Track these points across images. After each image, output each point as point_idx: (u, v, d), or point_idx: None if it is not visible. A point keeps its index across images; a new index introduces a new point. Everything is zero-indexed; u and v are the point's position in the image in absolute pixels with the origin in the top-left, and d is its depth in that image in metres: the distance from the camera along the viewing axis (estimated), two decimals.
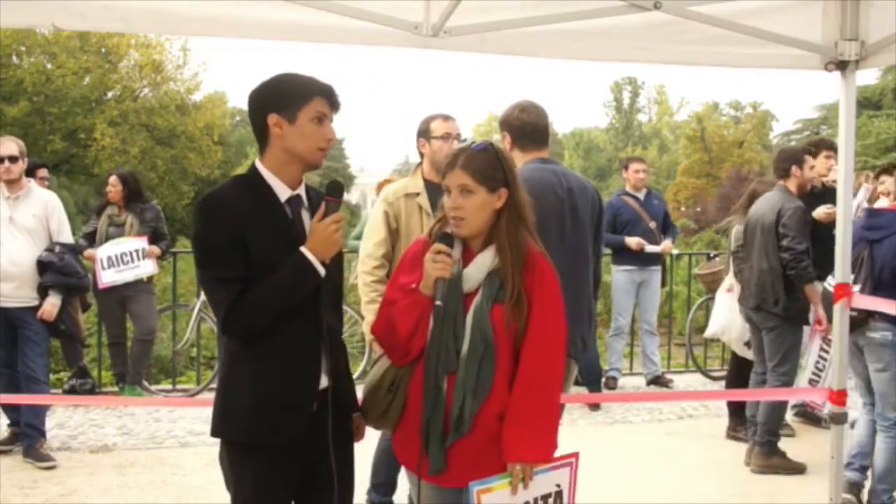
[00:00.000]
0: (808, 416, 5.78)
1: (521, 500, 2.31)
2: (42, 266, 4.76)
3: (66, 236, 4.97)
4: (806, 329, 4.88)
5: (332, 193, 2.26)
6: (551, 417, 2.40)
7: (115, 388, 6.50)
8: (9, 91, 25.03)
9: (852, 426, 5.27)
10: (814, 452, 4.83)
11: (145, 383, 6.49)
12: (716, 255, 7.70)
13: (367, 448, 3.64)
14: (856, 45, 3.27)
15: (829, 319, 4.23)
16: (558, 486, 2.39)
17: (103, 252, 6.06)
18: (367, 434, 2.58)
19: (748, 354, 5.48)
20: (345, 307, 7.01)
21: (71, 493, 4.38)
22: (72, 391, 5.97)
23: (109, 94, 28.68)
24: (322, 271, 2.22)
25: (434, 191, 3.46)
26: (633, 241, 6.61)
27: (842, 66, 3.33)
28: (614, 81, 52.59)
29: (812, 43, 3.32)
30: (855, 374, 4.35)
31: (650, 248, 6.63)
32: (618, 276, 6.86)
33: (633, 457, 5.19)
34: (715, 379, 7.12)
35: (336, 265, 2.33)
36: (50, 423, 5.29)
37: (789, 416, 5.53)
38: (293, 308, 2.21)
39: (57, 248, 4.81)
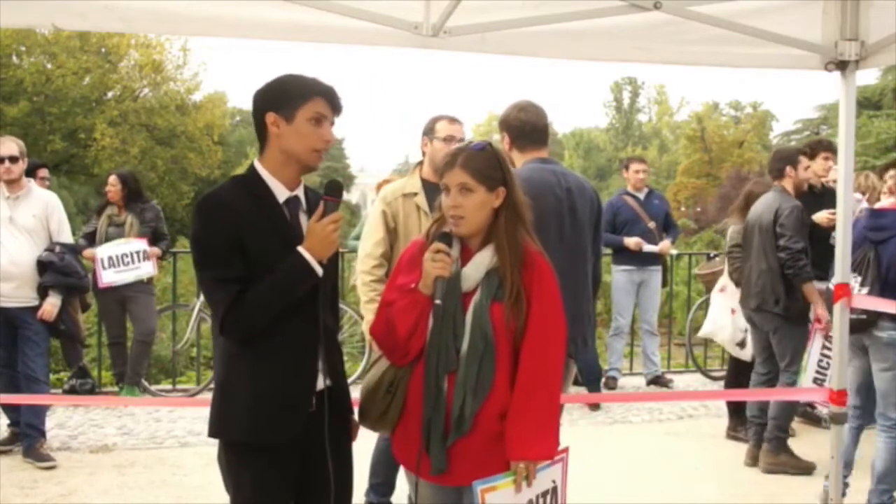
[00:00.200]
0: (809, 416, 5.79)
1: (524, 499, 2.31)
2: (42, 266, 4.76)
3: (66, 236, 4.97)
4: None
5: (330, 193, 2.26)
6: (552, 415, 2.40)
7: (115, 388, 6.50)
8: (9, 91, 25.03)
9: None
10: (814, 452, 4.83)
11: (145, 383, 6.49)
12: (716, 255, 7.70)
13: (365, 448, 3.64)
14: (856, 45, 3.27)
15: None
16: (554, 482, 2.40)
17: (103, 252, 6.06)
18: (366, 434, 2.58)
19: (741, 355, 5.49)
20: (345, 307, 7.03)
21: (71, 493, 4.38)
22: (72, 391, 5.97)
23: (109, 94, 28.68)
24: (319, 271, 2.22)
25: (432, 191, 3.46)
26: (631, 242, 6.62)
27: (842, 66, 3.33)
28: (614, 81, 52.65)
29: (812, 43, 3.32)
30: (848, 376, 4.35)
31: (648, 248, 6.63)
32: (618, 276, 6.86)
33: (633, 457, 5.19)
34: (715, 379, 7.12)
35: (332, 265, 2.33)
36: (50, 423, 5.29)
37: None
38: (292, 308, 2.21)
39: (57, 248, 4.81)
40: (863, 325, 3.94)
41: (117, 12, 2.85)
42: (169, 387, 7.15)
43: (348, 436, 2.46)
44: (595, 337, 7.35)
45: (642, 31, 3.20)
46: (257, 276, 2.17)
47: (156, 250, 6.21)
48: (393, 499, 3.90)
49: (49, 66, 26.56)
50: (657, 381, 6.95)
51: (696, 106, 47.05)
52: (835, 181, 4.60)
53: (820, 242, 4.84)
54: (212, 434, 2.29)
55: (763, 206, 4.86)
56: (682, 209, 30.26)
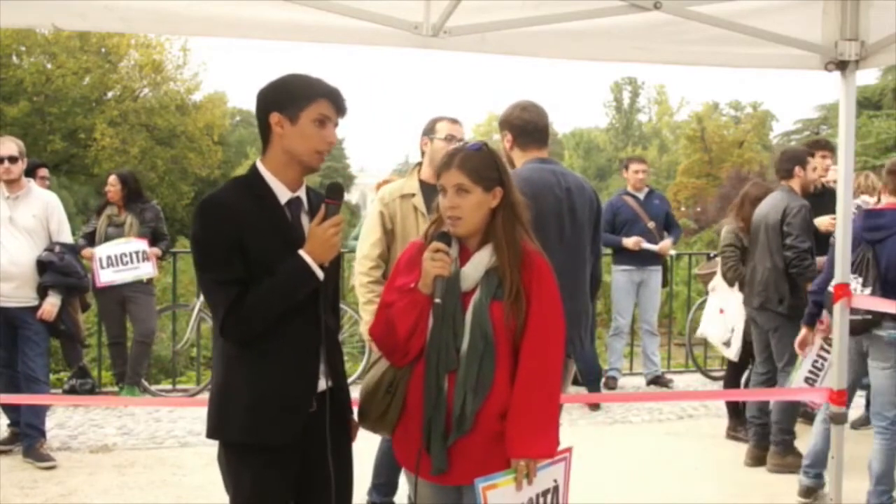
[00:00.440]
0: (809, 416, 5.78)
1: (525, 497, 2.32)
2: (42, 266, 4.76)
3: (66, 236, 4.97)
4: None
5: (331, 196, 2.26)
6: (552, 413, 2.41)
7: (115, 388, 6.50)
8: (9, 91, 25.03)
9: (853, 426, 5.28)
10: None
11: (145, 383, 6.49)
12: (716, 255, 7.68)
13: (367, 448, 3.64)
14: (856, 45, 3.28)
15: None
16: (555, 481, 2.40)
17: (102, 251, 6.06)
18: (367, 435, 2.58)
19: (728, 354, 5.50)
20: (345, 307, 7.02)
21: (71, 493, 4.38)
22: (72, 391, 5.97)
23: (109, 94, 28.67)
24: (321, 275, 2.22)
25: (430, 192, 3.46)
26: (630, 241, 6.62)
27: (842, 66, 3.33)
28: (614, 81, 52.63)
29: (812, 43, 3.32)
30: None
31: (647, 245, 6.63)
32: (617, 276, 6.86)
33: (633, 457, 5.19)
34: (715, 379, 7.12)
35: (334, 266, 2.33)
36: (50, 423, 5.29)
37: None
38: (293, 309, 2.20)
39: (57, 248, 4.81)
40: (867, 325, 3.94)
41: (117, 12, 2.85)
42: (169, 387, 7.15)
43: (349, 436, 2.46)
44: (595, 337, 7.38)
45: (642, 31, 3.20)
46: (258, 278, 2.17)
47: (156, 251, 6.21)
48: (395, 499, 3.91)
49: (49, 66, 26.56)
50: (657, 381, 6.95)
51: (696, 106, 47.08)
52: (834, 181, 4.60)
53: (819, 244, 4.84)
54: (210, 435, 2.29)
55: (770, 205, 4.85)
56: (682, 209, 30.26)
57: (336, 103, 2.26)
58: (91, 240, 6.21)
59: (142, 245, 6.12)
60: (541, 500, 2.36)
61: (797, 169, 4.86)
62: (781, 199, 4.80)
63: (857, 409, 4.77)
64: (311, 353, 2.27)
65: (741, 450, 5.11)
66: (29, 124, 25.57)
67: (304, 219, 2.31)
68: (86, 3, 2.83)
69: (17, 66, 26.15)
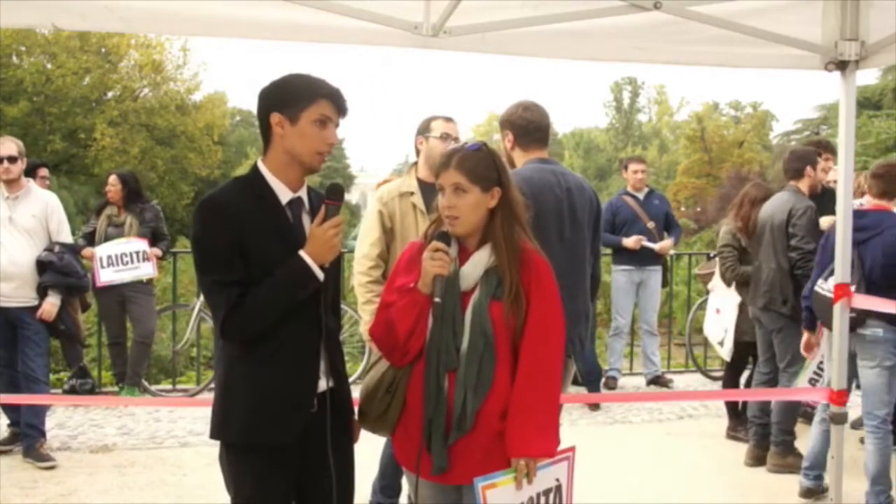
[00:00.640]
0: (809, 416, 5.78)
1: (525, 496, 2.32)
2: (42, 266, 4.76)
3: (66, 236, 4.97)
4: None
5: (332, 197, 2.26)
6: (553, 413, 2.41)
7: (115, 388, 6.50)
8: (9, 91, 25.02)
9: (853, 426, 5.28)
10: None
11: (145, 383, 6.49)
12: (716, 255, 7.70)
13: (368, 449, 3.64)
14: (856, 45, 3.27)
15: (828, 324, 4.24)
16: (557, 480, 2.40)
17: (102, 251, 6.06)
18: (370, 435, 2.58)
19: (721, 353, 5.50)
20: (345, 307, 7.03)
21: (71, 493, 4.38)
22: (72, 391, 5.97)
23: (109, 94, 28.66)
24: (321, 276, 2.22)
25: (428, 190, 3.46)
26: (630, 240, 6.62)
27: (842, 66, 3.33)
28: (614, 81, 52.57)
29: (812, 43, 3.32)
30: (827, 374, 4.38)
31: (647, 244, 6.63)
32: (617, 276, 6.86)
33: (633, 457, 5.19)
34: (715, 379, 7.12)
35: (334, 267, 2.33)
36: (50, 423, 5.29)
37: None
38: (294, 310, 2.20)
39: (56, 248, 4.81)
40: (851, 323, 3.90)
41: (117, 12, 2.85)
42: (169, 387, 7.15)
43: (350, 437, 2.46)
44: (595, 337, 7.37)
45: (642, 31, 3.20)
46: (259, 279, 2.17)
47: (156, 251, 6.21)
48: (400, 499, 3.90)
49: (49, 66, 26.55)
50: (657, 381, 6.95)
51: (696, 106, 47.12)
52: (834, 182, 4.60)
53: None
54: (213, 435, 2.29)
55: (776, 206, 4.84)
56: (682, 209, 30.26)
57: (337, 104, 2.25)
58: (91, 240, 6.21)
59: (142, 245, 6.12)
60: (542, 499, 2.36)
61: (808, 169, 4.85)
62: (787, 200, 4.78)
63: (856, 408, 4.77)
64: (311, 352, 2.27)
65: (741, 450, 5.12)
66: (29, 124, 25.56)
67: (305, 219, 2.31)
68: (86, 3, 2.83)
69: (17, 66, 26.14)
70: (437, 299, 2.32)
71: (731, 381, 5.63)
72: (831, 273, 4.08)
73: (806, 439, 4.49)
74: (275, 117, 2.22)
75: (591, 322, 3.48)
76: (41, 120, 26.59)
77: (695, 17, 3.12)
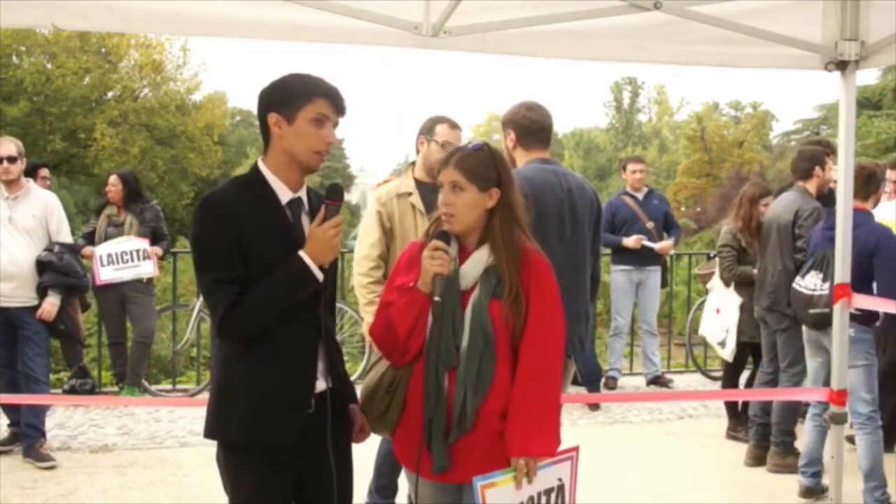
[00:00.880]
0: None
1: (525, 495, 2.31)
2: (41, 266, 4.76)
3: (66, 236, 4.97)
4: None
5: (331, 197, 2.25)
6: (553, 412, 2.41)
7: (115, 388, 6.50)
8: (9, 91, 25.01)
9: (852, 426, 5.28)
10: None
11: (145, 383, 6.49)
12: (715, 255, 7.70)
13: (367, 449, 3.64)
14: (856, 45, 3.27)
15: (805, 320, 4.27)
16: (560, 479, 2.40)
17: (102, 249, 6.07)
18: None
19: (722, 354, 5.50)
20: (345, 307, 7.03)
21: (71, 493, 4.38)
22: (72, 391, 5.97)
23: (109, 94, 28.65)
24: (320, 276, 2.21)
25: (426, 191, 3.46)
26: (630, 240, 6.62)
27: (842, 66, 3.33)
28: (614, 81, 52.54)
29: (812, 43, 3.32)
30: (812, 372, 4.42)
31: (647, 243, 6.63)
32: (616, 276, 6.86)
33: (633, 457, 5.19)
34: (715, 379, 7.12)
35: (332, 267, 2.32)
36: (50, 423, 5.29)
37: None
38: (292, 310, 2.20)
39: (56, 248, 4.81)
40: (826, 319, 4.00)
41: (117, 12, 2.85)
42: (169, 387, 7.15)
43: (349, 437, 2.45)
44: (595, 337, 7.37)
45: (642, 31, 3.20)
46: (257, 278, 2.17)
47: (156, 250, 6.21)
48: (396, 500, 3.90)
49: (49, 66, 26.54)
50: (657, 381, 6.95)
51: (696, 106, 47.05)
52: (834, 182, 4.60)
53: None
54: (208, 435, 2.29)
55: (783, 206, 4.83)
56: (682, 209, 30.25)
57: (335, 103, 2.25)
58: (91, 240, 6.21)
59: (142, 243, 6.12)
60: (543, 498, 2.36)
61: (817, 169, 4.83)
62: (794, 201, 4.77)
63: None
64: (309, 352, 2.26)
65: (741, 450, 5.11)
66: (29, 124, 25.56)
67: (305, 219, 2.30)
68: (86, 3, 2.83)
69: (17, 66, 26.13)
70: (436, 298, 2.32)
71: (730, 381, 5.63)
72: (808, 271, 4.24)
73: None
74: (272, 117, 2.22)
75: (590, 322, 3.48)
76: (41, 120, 26.59)
77: (695, 17, 3.12)
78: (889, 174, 5.36)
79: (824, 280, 4.10)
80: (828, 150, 5.31)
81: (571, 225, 3.25)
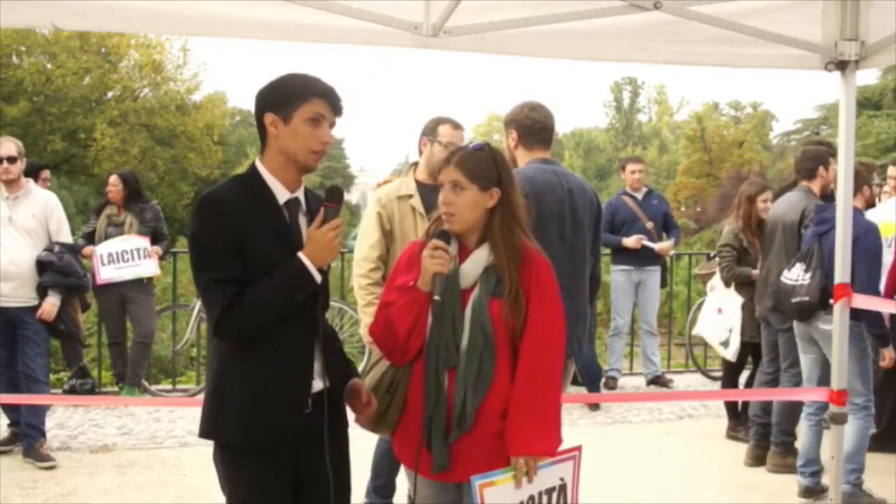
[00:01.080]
0: None
1: (524, 495, 2.31)
2: (41, 266, 4.76)
3: (66, 236, 4.97)
4: None
5: (331, 199, 2.25)
6: (553, 411, 2.40)
7: (115, 388, 6.50)
8: (9, 91, 25.01)
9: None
10: None
11: (145, 383, 6.49)
12: (716, 255, 7.70)
13: (365, 449, 3.64)
14: (856, 45, 3.27)
15: (788, 310, 4.36)
16: (562, 479, 2.40)
17: (103, 248, 6.06)
18: (366, 434, 2.58)
19: (725, 354, 5.50)
20: (345, 307, 7.03)
21: (71, 493, 4.38)
22: (72, 391, 5.97)
23: (109, 94, 28.65)
24: (318, 278, 2.21)
25: (426, 192, 3.46)
26: (630, 240, 6.62)
27: (842, 66, 3.33)
28: (614, 81, 52.53)
29: (812, 43, 3.32)
30: (805, 369, 4.45)
31: (648, 243, 6.63)
32: (616, 276, 6.86)
33: (633, 457, 5.19)
34: (715, 379, 7.12)
35: (328, 267, 2.32)
36: (50, 423, 5.29)
37: None
38: (290, 310, 2.20)
39: (56, 248, 4.81)
40: (811, 308, 4.14)
41: (117, 12, 2.85)
42: (169, 387, 7.15)
43: (346, 438, 2.44)
44: (595, 337, 7.37)
45: (642, 31, 3.20)
46: (255, 278, 2.16)
47: (157, 249, 6.21)
48: (394, 500, 3.90)
49: (49, 66, 26.54)
50: (657, 381, 6.95)
51: (696, 106, 47.00)
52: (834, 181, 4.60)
53: None
54: (204, 435, 2.28)
55: (787, 206, 4.82)
56: (682, 209, 30.26)
57: (331, 102, 2.25)
58: (91, 240, 6.21)
59: (143, 242, 6.11)
60: (544, 498, 2.36)
61: (820, 169, 4.82)
62: (800, 201, 4.75)
63: None
64: (306, 353, 2.26)
65: (741, 450, 5.11)
66: (29, 124, 25.56)
67: (302, 219, 2.30)
68: (86, 3, 2.83)
69: (17, 66, 26.13)
70: (436, 297, 2.32)
71: (730, 381, 5.63)
72: (794, 263, 4.36)
73: None
74: (269, 117, 2.22)
75: (589, 323, 3.48)
76: (41, 120, 26.59)
77: (695, 17, 3.12)
78: (890, 170, 5.39)
79: (806, 271, 4.21)
80: (832, 150, 5.31)
81: (572, 225, 3.25)
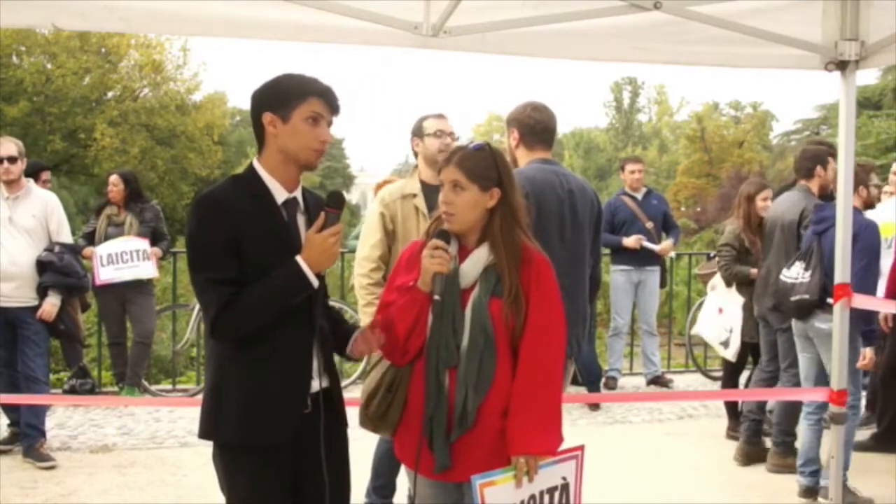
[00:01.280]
0: None
1: (525, 494, 2.31)
2: (41, 266, 4.76)
3: (66, 236, 4.97)
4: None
5: (332, 204, 2.25)
6: (554, 410, 2.40)
7: (115, 388, 6.50)
8: (9, 91, 25.00)
9: None
10: None
11: (145, 383, 6.49)
12: (716, 255, 7.70)
13: (365, 448, 3.64)
14: (856, 45, 3.28)
15: (787, 307, 4.37)
16: (564, 478, 2.40)
17: (102, 249, 6.06)
18: (367, 434, 2.58)
19: (725, 354, 5.50)
20: (345, 307, 7.02)
21: (71, 493, 4.38)
22: (72, 391, 5.97)
23: (109, 94, 28.64)
24: (315, 282, 2.21)
25: (430, 192, 3.45)
26: (630, 240, 6.62)
27: (842, 66, 3.34)
28: (614, 81, 52.51)
29: (812, 43, 3.32)
30: (803, 368, 4.45)
31: (648, 244, 6.64)
32: (616, 276, 6.86)
33: (633, 457, 5.18)
34: (715, 379, 7.12)
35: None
36: (50, 423, 5.29)
37: None
38: (287, 311, 2.20)
39: (56, 248, 4.81)
40: (810, 307, 4.16)
41: (117, 12, 2.85)
42: (169, 387, 7.15)
43: (346, 438, 2.44)
44: (594, 337, 7.37)
45: (642, 31, 3.21)
46: (252, 278, 2.16)
47: (156, 251, 6.21)
48: (394, 500, 3.90)
49: (49, 66, 26.52)
50: (657, 381, 6.95)
51: (696, 106, 47.01)
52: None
53: None
54: (203, 435, 2.28)
55: (786, 206, 4.82)
56: (682, 209, 30.25)
57: (328, 101, 2.26)
58: (91, 240, 6.21)
59: (142, 244, 6.11)
60: (545, 497, 2.36)
61: (818, 168, 4.82)
62: (799, 201, 4.74)
63: None
64: (304, 352, 2.26)
65: None
66: (29, 124, 25.55)
67: (300, 219, 2.30)
68: (86, 3, 2.84)
69: (17, 66, 26.12)
70: (436, 297, 2.32)
71: (730, 381, 5.63)
72: (793, 262, 4.39)
73: None
74: (267, 117, 2.22)
75: (589, 323, 3.49)
76: (41, 120, 26.59)
77: (695, 17, 3.12)
78: (895, 166, 5.39)
79: (806, 269, 4.23)
80: (831, 150, 5.31)
81: (572, 226, 3.25)
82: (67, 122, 27.17)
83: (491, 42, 3.19)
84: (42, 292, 4.76)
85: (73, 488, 4.45)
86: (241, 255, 2.17)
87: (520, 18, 3.06)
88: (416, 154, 3.72)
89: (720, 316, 5.49)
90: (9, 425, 5.10)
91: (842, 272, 3.52)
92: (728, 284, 5.36)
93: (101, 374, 6.98)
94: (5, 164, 4.73)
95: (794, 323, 4.46)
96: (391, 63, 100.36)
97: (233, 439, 2.23)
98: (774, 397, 4.89)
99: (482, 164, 2.39)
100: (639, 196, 6.89)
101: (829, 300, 3.88)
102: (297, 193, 2.31)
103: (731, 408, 5.59)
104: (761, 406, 4.96)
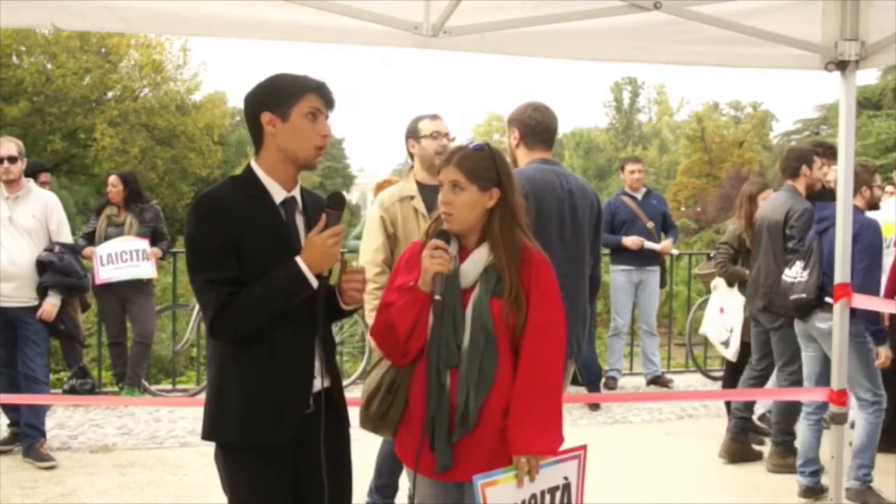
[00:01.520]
0: None
1: (527, 494, 2.31)
2: (41, 266, 4.76)
3: (66, 236, 4.97)
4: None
5: (332, 206, 2.25)
6: (555, 410, 2.40)
7: (115, 388, 6.50)
8: (9, 91, 24.98)
9: (852, 426, 5.28)
10: None
11: (145, 383, 6.49)
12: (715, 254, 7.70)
13: (367, 448, 3.64)
14: (856, 45, 3.28)
15: (787, 306, 4.39)
16: (566, 478, 2.40)
17: (102, 249, 6.06)
18: (368, 435, 2.57)
19: (725, 354, 5.50)
20: None
21: (71, 493, 4.38)
22: (72, 391, 5.97)
23: (109, 94, 28.61)
24: (315, 284, 2.21)
25: (427, 193, 3.45)
26: (630, 240, 6.62)
27: (842, 66, 3.33)
28: (614, 81, 52.51)
29: (812, 43, 3.32)
30: (806, 366, 4.47)
31: (648, 245, 6.64)
32: (616, 276, 6.86)
33: (633, 457, 5.18)
34: (715, 379, 7.12)
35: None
36: (50, 423, 5.29)
37: None
38: (289, 311, 2.20)
39: (56, 248, 4.81)
40: (808, 306, 4.19)
41: (117, 12, 2.85)
42: (169, 387, 7.15)
43: (347, 437, 2.44)
44: (594, 337, 7.37)
45: (642, 31, 3.21)
46: (251, 278, 2.16)
47: (156, 251, 6.20)
48: (396, 500, 3.90)
49: (49, 66, 26.49)
50: (657, 381, 6.95)
51: (696, 106, 47.02)
52: (834, 181, 4.59)
53: None
54: (206, 436, 2.28)
55: (772, 206, 4.83)
56: (682, 209, 30.26)
57: (324, 96, 2.26)
58: (91, 240, 6.21)
59: (142, 244, 6.11)
60: (547, 497, 2.36)
61: (804, 168, 4.84)
62: (785, 201, 4.76)
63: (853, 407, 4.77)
64: (306, 352, 2.26)
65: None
66: (29, 124, 25.52)
67: (299, 219, 2.30)
68: (86, 3, 2.84)
69: (17, 66, 26.09)
70: (437, 297, 2.32)
71: (730, 381, 5.63)
72: (794, 262, 4.42)
73: None
74: (265, 116, 2.22)
75: (589, 323, 3.49)
76: (41, 120, 26.56)
77: (695, 17, 3.12)
78: None
79: (805, 268, 4.26)
80: (818, 149, 5.31)
81: (572, 226, 3.26)
82: (67, 122, 27.14)
83: (491, 42, 3.19)
84: (42, 292, 4.76)
85: (73, 488, 4.45)
86: (241, 255, 2.16)
87: (520, 18, 3.06)
88: (411, 156, 3.72)
89: (721, 316, 5.50)
90: (9, 425, 5.10)
91: (842, 272, 3.51)
92: (730, 284, 5.37)
93: (101, 374, 6.98)
94: (5, 163, 4.74)
95: (796, 322, 4.47)
96: (391, 63, 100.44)
97: (234, 439, 2.23)
98: (775, 397, 4.89)
99: (481, 165, 2.39)
100: (639, 196, 6.90)
101: (828, 299, 3.88)
102: (296, 192, 2.31)
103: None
104: (749, 404, 4.97)
